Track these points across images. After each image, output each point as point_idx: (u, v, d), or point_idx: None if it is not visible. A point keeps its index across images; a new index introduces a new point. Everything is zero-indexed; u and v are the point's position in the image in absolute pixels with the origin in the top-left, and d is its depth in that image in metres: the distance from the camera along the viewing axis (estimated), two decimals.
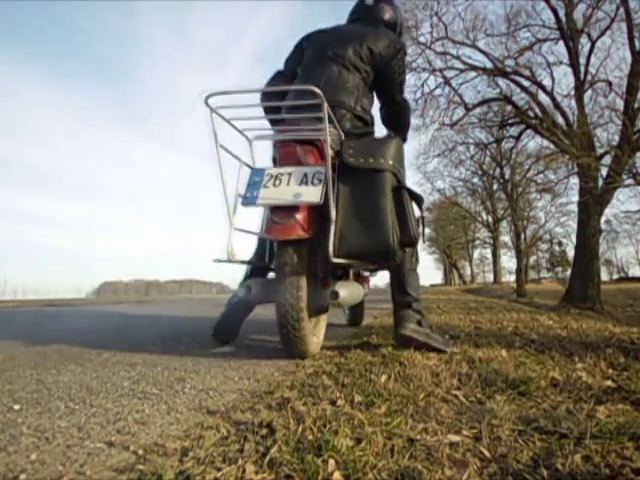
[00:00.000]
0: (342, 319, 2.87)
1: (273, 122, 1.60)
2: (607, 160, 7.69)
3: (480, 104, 10.80)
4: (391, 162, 1.45)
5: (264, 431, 0.76)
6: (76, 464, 0.66)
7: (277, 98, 1.63)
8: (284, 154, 1.46)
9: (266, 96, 1.70)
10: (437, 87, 10.63)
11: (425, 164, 14.74)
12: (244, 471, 0.60)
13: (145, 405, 0.98)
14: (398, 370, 1.22)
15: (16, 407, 0.97)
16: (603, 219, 8.32)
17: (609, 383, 1.08)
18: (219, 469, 0.61)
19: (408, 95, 10.69)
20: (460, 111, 10.82)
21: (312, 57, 1.72)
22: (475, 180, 18.97)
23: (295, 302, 1.31)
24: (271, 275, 1.64)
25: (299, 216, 1.32)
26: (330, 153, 1.36)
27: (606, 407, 0.87)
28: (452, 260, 36.90)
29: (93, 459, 0.68)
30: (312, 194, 1.31)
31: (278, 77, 1.83)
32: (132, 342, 2.02)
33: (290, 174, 1.36)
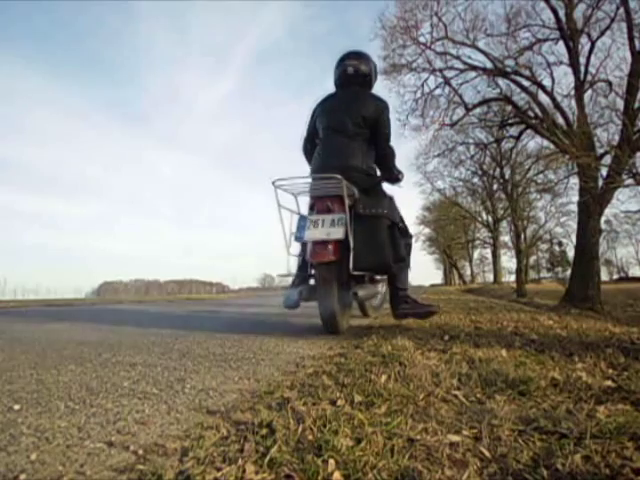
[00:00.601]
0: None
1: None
2: (607, 160, 7.69)
3: (480, 104, 10.81)
4: (386, 211, 2.12)
5: (264, 431, 0.76)
6: (76, 464, 0.66)
7: (313, 169, 2.29)
8: (319, 207, 2.09)
9: (310, 168, 2.37)
10: (437, 87, 10.65)
11: (425, 164, 14.80)
12: (244, 471, 0.60)
13: (145, 405, 0.98)
14: (398, 370, 1.22)
15: (16, 407, 0.97)
16: (603, 219, 8.32)
17: (609, 383, 1.08)
18: (219, 469, 0.61)
19: (408, 95, 10.74)
20: (460, 111, 10.83)
21: (325, 133, 2.31)
22: (475, 180, 19.01)
23: (330, 301, 1.97)
24: (311, 282, 2.28)
25: (330, 247, 1.94)
26: (348, 203, 1.98)
27: (606, 407, 0.87)
28: (452, 260, 36.89)
29: (93, 459, 0.68)
30: (338, 233, 1.94)
31: (308, 145, 2.51)
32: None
33: (324, 220, 2.00)
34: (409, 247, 2.40)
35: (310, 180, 2.11)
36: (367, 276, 2.36)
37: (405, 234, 2.33)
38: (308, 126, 2.49)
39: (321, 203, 2.08)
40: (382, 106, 2.29)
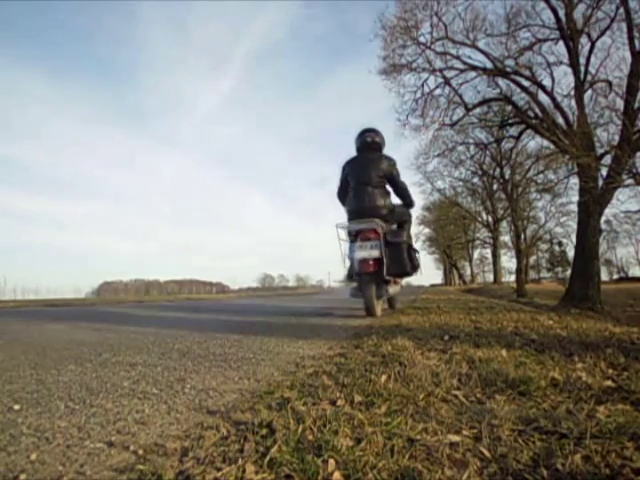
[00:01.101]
0: (342, 319, 2.99)
1: (351, 220, 3.32)
2: (607, 160, 7.67)
3: (480, 104, 10.79)
4: (405, 239, 3.22)
5: (264, 431, 0.76)
6: (76, 464, 0.66)
7: (351, 214, 3.37)
8: (362, 237, 3.10)
9: (350, 214, 3.37)
10: (437, 87, 10.63)
11: (425, 164, 14.75)
12: (244, 471, 0.60)
13: (145, 405, 0.98)
14: (398, 370, 1.22)
15: (16, 407, 0.97)
16: (603, 219, 8.29)
17: (609, 383, 1.08)
18: (219, 469, 0.61)
19: (408, 95, 10.75)
20: (460, 111, 10.81)
21: (355, 184, 3.29)
22: (475, 180, 18.99)
23: (370, 296, 3.01)
24: (355, 284, 3.40)
25: (371, 262, 3.00)
26: (381, 232, 3.08)
27: (606, 407, 0.87)
28: (452, 260, 36.88)
29: (93, 459, 0.68)
30: (375, 253, 2.99)
31: (342, 192, 3.52)
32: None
33: (366, 245, 3.02)
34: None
35: (351, 221, 3.28)
36: (392, 279, 3.34)
37: (416, 251, 3.43)
38: (340, 180, 3.53)
39: (363, 235, 3.13)
40: (392, 162, 3.36)
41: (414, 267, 3.25)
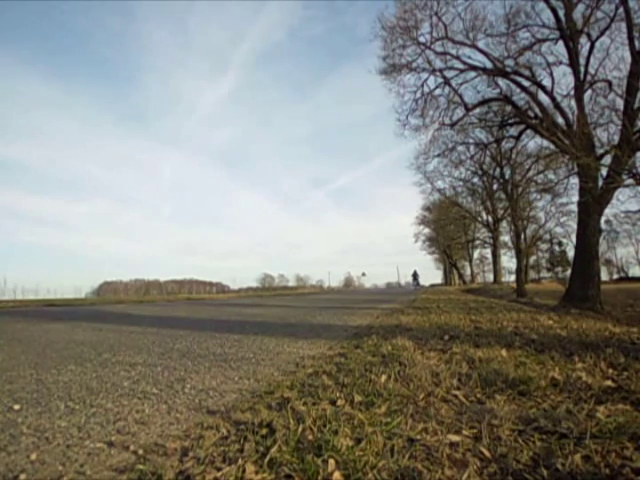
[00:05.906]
0: (342, 319, 3.00)
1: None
2: (607, 160, 7.66)
3: (480, 104, 10.78)
4: (420, 282, 34.42)
5: (264, 431, 0.76)
6: (76, 464, 0.66)
7: (413, 278, 33.21)
8: (414, 278, 33.23)
9: (413, 278, 32.64)
10: (437, 87, 10.61)
11: (425, 164, 14.74)
12: (244, 471, 0.60)
13: (145, 405, 0.98)
14: (398, 370, 1.22)
15: (16, 407, 0.97)
16: (603, 219, 8.27)
17: (609, 383, 1.08)
18: (219, 469, 0.61)
19: (408, 95, 10.79)
20: (460, 111, 10.79)
21: (414, 277, 32.55)
22: (475, 180, 18.97)
23: (415, 289, 25.20)
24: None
25: (416, 284, 35.09)
26: (419, 280, 32.35)
27: (606, 407, 0.87)
28: (452, 260, 36.91)
29: (93, 459, 0.68)
30: (416, 283, 34.59)
31: (413, 276, 32.47)
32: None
33: (416, 282, 33.87)
34: (419, 279, 32.03)
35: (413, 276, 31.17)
36: (419, 285, 29.89)
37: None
38: (412, 274, 31.87)
39: (414, 278, 31.55)
40: (418, 275, 31.25)
41: (419, 284, 29.07)
